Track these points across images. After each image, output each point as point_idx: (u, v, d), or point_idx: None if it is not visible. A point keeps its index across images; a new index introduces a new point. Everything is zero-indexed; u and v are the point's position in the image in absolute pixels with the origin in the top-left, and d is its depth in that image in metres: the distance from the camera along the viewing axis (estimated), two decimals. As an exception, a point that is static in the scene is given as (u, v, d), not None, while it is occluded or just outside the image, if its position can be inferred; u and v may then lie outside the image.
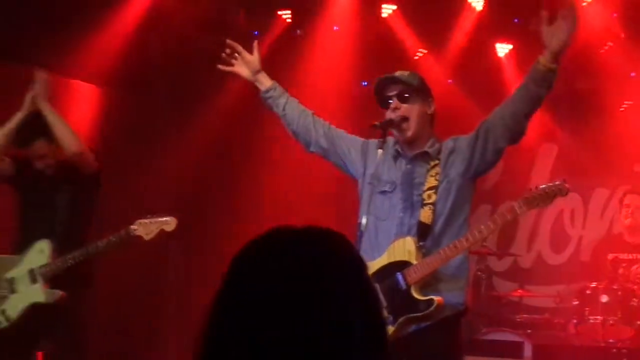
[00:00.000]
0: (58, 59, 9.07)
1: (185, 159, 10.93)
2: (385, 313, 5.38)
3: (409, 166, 5.83)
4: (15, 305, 6.68)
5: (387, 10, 10.51)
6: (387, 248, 5.69)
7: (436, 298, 5.48)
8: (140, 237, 6.56)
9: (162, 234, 6.66)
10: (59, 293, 6.59)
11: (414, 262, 5.54)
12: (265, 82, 6.15)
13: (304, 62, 10.49)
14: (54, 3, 8.81)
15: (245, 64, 6.09)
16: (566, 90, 10.10)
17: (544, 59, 5.51)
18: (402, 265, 5.56)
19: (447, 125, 6.68)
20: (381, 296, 5.40)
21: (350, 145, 5.99)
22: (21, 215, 6.99)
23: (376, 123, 5.77)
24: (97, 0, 9.36)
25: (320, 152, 6.03)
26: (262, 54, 6.07)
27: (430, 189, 5.71)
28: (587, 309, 8.65)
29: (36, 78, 6.85)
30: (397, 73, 5.88)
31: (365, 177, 5.84)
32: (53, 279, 6.61)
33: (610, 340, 8.47)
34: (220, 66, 6.21)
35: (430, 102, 5.84)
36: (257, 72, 6.12)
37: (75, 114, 9.36)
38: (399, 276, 5.55)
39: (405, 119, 5.68)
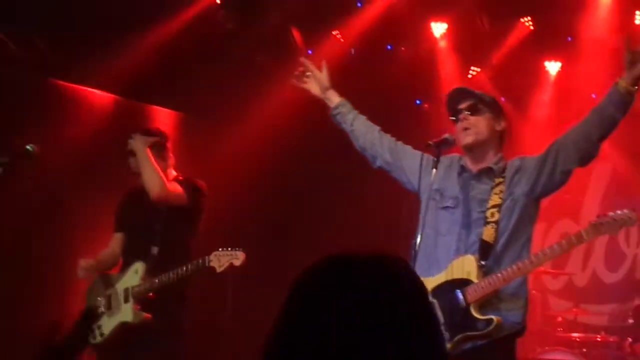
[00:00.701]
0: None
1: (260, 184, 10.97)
2: (445, 330, 5.44)
3: (472, 182, 5.83)
4: (109, 322, 6.85)
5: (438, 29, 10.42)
6: (447, 264, 5.66)
7: (495, 318, 5.43)
8: (213, 267, 6.61)
9: (231, 266, 6.68)
10: (143, 315, 6.75)
11: (475, 280, 5.52)
12: (334, 99, 6.21)
13: (356, 81, 10.52)
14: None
15: (316, 82, 6.18)
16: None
17: (623, 82, 5.46)
18: (462, 283, 5.54)
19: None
20: (439, 313, 5.48)
21: (413, 160, 5.97)
22: (125, 236, 7.18)
23: (430, 142, 5.73)
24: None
25: (385, 167, 6.05)
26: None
27: (493, 206, 5.69)
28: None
29: (135, 135, 7.06)
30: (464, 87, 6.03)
31: (425, 191, 5.82)
32: (143, 300, 6.76)
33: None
34: (293, 81, 6.30)
35: (500, 119, 5.84)
36: (326, 89, 6.19)
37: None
38: (459, 294, 5.54)
39: (468, 129, 5.73)
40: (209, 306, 9.53)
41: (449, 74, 10.68)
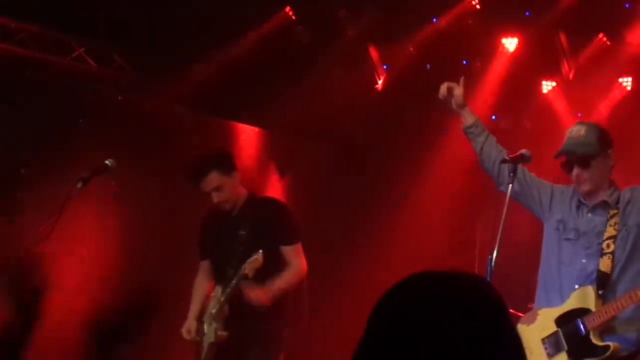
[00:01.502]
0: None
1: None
2: (566, 356, 5.74)
3: (589, 215, 5.92)
4: (205, 344, 7.05)
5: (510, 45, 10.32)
6: (569, 294, 5.83)
7: (612, 344, 5.59)
8: (247, 274, 6.67)
9: (254, 268, 6.70)
10: (224, 333, 6.90)
11: (594, 309, 5.67)
12: (468, 118, 6.20)
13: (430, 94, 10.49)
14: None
15: (455, 98, 6.11)
16: None
17: None
18: (582, 312, 5.70)
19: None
20: (562, 339, 5.78)
21: (541, 190, 6.11)
22: (211, 262, 7.29)
23: (507, 157, 5.83)
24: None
25: (511, 193, 5.83)
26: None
27: (609, 238, 5.79)
28: None
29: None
30: (573, 138, 5.93)
31: (552, 222, 6.01)
32: (223, 319, 6.94)
33: None
34: (439, 96, 6.20)
35: (610, 154, 5.88)
36: (462, 106, 6.17)
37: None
38: (580, 323, 5.69)
39: (582, 182, 5.81)
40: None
41: (523, 89, 10.60)
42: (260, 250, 6.65)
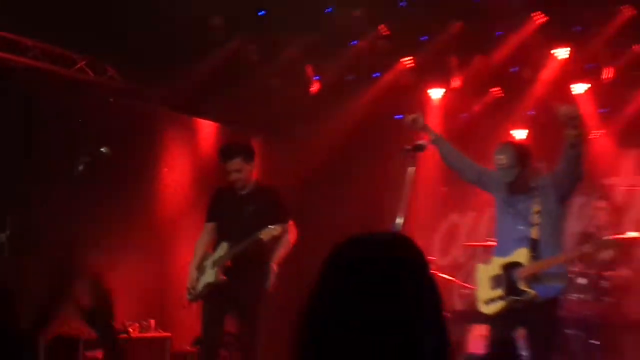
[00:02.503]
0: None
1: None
2: (501, 292, 6.00)
3: (523, 196, 6.12)
4: (201, 284, 6.90)
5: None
6: (513, 252, 6.07)
7: (531, 291, 5.92)
8: (261, 239, 6.66)
9: (273, 237, 6.74)
10: (222, 278, 6.78)
11: (525, 264, 5.96)
12: (432, 134, 6.38)
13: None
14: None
15: (417, 124, 6.33)
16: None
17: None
18: (518, 264, 5.99)
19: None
20: (503, 280, 6.02)
21: (489, 177, 6.37)
22: (217, 224, 7.12)
23: (407, 147, 5.69)
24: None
25: (472, 183, 6.58)
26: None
27: (536, 212, 6.02)
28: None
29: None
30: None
31: (499, 199, 6.31)
32: (229, 269, 6.80)
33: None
34: (406, 124, 6.40)
35: (524, 163, 6.11)
36: (425, 127, 6.37)
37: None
38: (514, 271, 5.98)
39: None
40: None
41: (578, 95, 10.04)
42: (279, 224, 6.75)
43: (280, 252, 6.96)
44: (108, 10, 7.65)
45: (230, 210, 7.09)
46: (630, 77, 9.28)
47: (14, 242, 7.04)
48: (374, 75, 9.80)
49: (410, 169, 5.63)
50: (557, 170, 6.15)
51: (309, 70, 9.90)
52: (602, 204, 9.26)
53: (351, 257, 1.92)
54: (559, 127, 5.87)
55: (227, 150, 7.12)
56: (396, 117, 10.18)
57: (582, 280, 8.28)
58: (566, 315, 7.98)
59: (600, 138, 10.10)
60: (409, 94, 10.18)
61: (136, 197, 8.64)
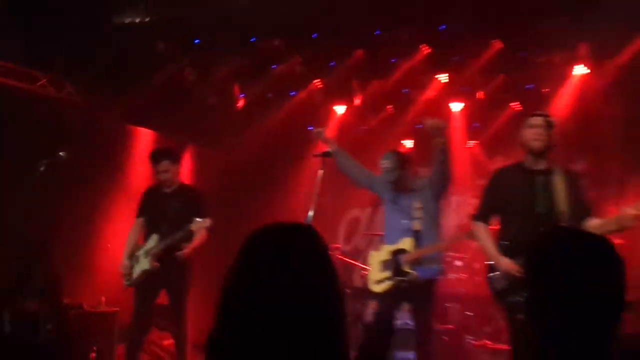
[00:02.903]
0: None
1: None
2: (389, 273, 6.08)
3: (406, 195, 6.18)
4: (136, 271, 6.84)
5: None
6: (399, 240, 6.10)
7: (413, 273, 5.95)
8: (192, 230, 6.67)
9: (202, 227, 6.70)
10: (156, 265, 6.72)
11: (410, 250, 6.02)
12: (332, 146, 6.45)
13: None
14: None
15: (321, 137, 6.61)
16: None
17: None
18: (404, 251, 6.05)
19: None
20: (390, 263, 6.10)
21: (378, 182, 6.40)
22: (145, 219, 7.08)
23: (317, 153, 6.13)
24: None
25: (364, 188, 6.64)
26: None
27: (417, 209, 5.98)
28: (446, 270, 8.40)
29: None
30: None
31: (386, 199, 6.35)
32: (161, 257, 6.75)
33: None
34: (313, 132, 6.66)
35: (405, 166, 6.26)
36: (327, 140, 6.56)
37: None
38: (400, 257, 6.05)
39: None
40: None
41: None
42: (207, 219, 6.69)
43: (195, 242, 6.79)
44: (68, 36, 7.50)
45: (157, 207, 6.97)
46: (497, 99, 9.53)
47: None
48: (291, 93, 9.88)
49: (320, 172, 5.90)
50: (432, 173, 6.17)
51: (236, 89, 9.86)
52: (476, 201, 9.68)
53: (263, 241, 1.93)
54: (430, 137, 5.87)
55: (157, 154, 7.00)
56: (309, 128, 10.28)
57: (459, 263, 8.57)
58: (446, 291, 8.09)
59: (473, 147, 10.30)
60: (319, 110, 10.21)
61: (89, 194, 8.43)
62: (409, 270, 5.98)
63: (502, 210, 5.38)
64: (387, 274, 6.09)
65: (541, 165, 5.23)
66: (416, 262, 6.01)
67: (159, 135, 9.94)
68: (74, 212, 8.18)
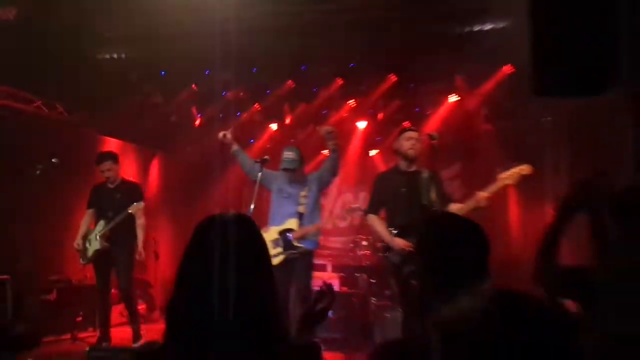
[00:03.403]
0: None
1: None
2: (280, 249, 5.85)
3: (297, 185, 6.04)
4: (89, 251, 6.73)
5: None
6: (285, 221, 5.96)
7: (302, 246, 5.90)
8: (130, 213, 6.57)
9: (138, 209, 6.61)
10: (106, 244, 6.65)
11: (296, 229, 5.92)
12: (234, 147, 6.20)
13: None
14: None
15: (226, 139, 6.13)
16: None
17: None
18: (291, 230, 5.91)
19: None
20: (280, 241, 5.87)
21: (269, 175, 6.15)
22: (95, 210, 6.94)
23: (258, 160, 6.03)
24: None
25: (255, 180, 5.99)
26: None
27: (303, 196, 5.95)
28: (355, 248, 8.70)
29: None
30: (288, 159, 6.00)
31: (275, 189, 6.11)
32: (109, 237, 6.66)
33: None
34: (219, 135, 6.16)
35: (303, 163, 6.16)
36: (231, 142, 6.14)
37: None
38: (289, 235, 5.91)
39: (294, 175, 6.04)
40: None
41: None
42: (142, 202, 6.65)
43: (141, 236, 6.66)
44: (60, 65, 7.33)
45: (104, 199, 6.82)
46: (393, 119, 9.58)
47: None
48: (237, 114, 9.88)
49: (259, 174, 5.90)
50: (322, 169, 6.08)
51: (194, 110, 9.79)
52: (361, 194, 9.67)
53: (210, 227, 1.87)
54: (323, 141, 5.90)
55: (101, 156, 6.87)
56: (250, 140, 10.38)
57: (364, 242, 8.54)
58: (355, 264, 8.42)
59: (375, 155, 10.41)
60: (259, 126, 10.27)
61: (73, 190, 8.12)
62: (298, 245, 5.90)
63: (387, 204, 5.57)
64: (279, 249, 5.89)
65: (412, 168, 5.48)
66: (302, 238, 5.92)
67: (133, 146, 9.72)
68: (63, 204, 7.98)
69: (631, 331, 2.03)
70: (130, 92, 8.80)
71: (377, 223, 5.59)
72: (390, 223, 5.49)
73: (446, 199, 5.37)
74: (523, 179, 5.01)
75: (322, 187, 6.16)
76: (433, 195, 5.29)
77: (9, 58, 6.70)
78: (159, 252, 9.49)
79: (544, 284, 2.41)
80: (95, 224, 6.86)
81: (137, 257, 6.70)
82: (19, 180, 7.20)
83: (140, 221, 6.74)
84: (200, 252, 1.84)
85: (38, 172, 6.80)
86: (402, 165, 5.54)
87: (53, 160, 6.79)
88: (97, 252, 6.70)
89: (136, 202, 6.65)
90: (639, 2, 3.05)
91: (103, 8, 6.56)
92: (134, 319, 6.88)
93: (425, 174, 5.38)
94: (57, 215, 7.90)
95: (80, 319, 7.42)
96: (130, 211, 6.58)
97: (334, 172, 6.05)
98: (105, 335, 6.77)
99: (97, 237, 6.69)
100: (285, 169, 6.03)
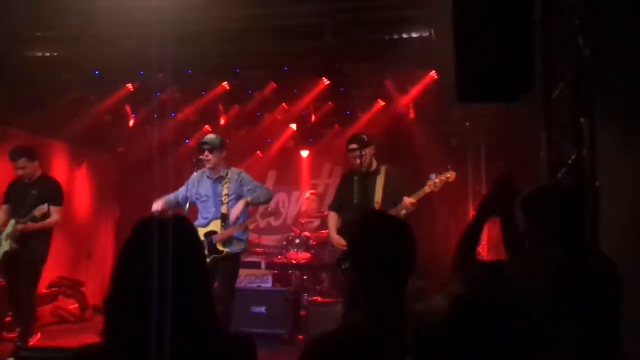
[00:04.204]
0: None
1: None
2: (206, 252, 5.63)
3: (214, 184, 5.92)
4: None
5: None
6: (209, 223, 5.83)
7: (225, 250, 5.73)
8: (36, 216, 6.21)
9: (41, 212, 6.29)
10: (15, 246, 6.25)
11: (219, 231, 5.78)
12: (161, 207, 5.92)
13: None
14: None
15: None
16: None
17: None
18: (214, 232, 5.78)
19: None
20: (206, 245, 5.68)
21: (190, 186, 6.02)
22: (9, 206, 6.56)
23: (194, 159, 5.99)
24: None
25: (184, 204, 5.97)
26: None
27: (225, 195, 5.81)
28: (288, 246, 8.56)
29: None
30: (206, 138, 5.95)
31: (200, 195, 5.95)
32: (19, 238, 6.26)
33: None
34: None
35: (224, 151, 5.96)
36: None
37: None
38: (213, 237, 5.76)
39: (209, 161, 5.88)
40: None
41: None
42: (47, 204, 6.24)
43: (38, 224, 6.28)
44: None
45: (18, 195, 6.44)
46: (325, 121, 9.73)
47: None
48: (171, 114, 9.70)
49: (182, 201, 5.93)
50: (254, 190, 5.92)
51: (128, 109, 9.56)
52: (311, 195, 9.60)
53: (146, 226, 1.87)
54: None
55: (14, 153, 6.50)
56: (186, 140, 10.42)
57: (298, 240, 8.42)
58: (289, 262, 8.27)
59: (307, 155, 10.59)
60: (193, 127, 10.11)
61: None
62: (222, 249, 5.74)
63: (340, 203, 5.94)
64: (205, 252, 5.52)
65: (370, 169, 5.79)
66: (226, 240, 5.78)
67: (65, 145, 9.43)
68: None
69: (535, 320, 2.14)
70: (63, 91, 8.56)
71: (330, 220, 6.02)
72: (341, 221, 5.87)
73: (394, 200, 5.58)
74: (447, 185, 5.37)
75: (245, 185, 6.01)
76: (378, 195, 5.62)
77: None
78: (92, 251, 9.28)
79: (462, 277, 2.49)
80: (8, 222, 6.49)
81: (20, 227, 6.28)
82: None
83: (53, 219, 6.42)
84: (137, 250, 1.84)
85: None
86: (357, 167, 5.80)
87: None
88: (6, 254, 6.30)
89: (53, 200, 6.35)
90: (550, 14, 3.22)
91: (36, 5, 6.34)
92: (26, 321, 6.41)
93: (380, 174, 5.74)
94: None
95: (9, 319, 7.12)
96: (35, 214, 6.21)
97: (258, 202, 6.03)
98: (27, 330, 6.33)
99: (7, 238, 6.29)
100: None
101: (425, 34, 6.86)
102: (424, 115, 9.08)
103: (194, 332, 1.75)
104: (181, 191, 6.05)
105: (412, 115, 9.09)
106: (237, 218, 5.82)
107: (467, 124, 8.92)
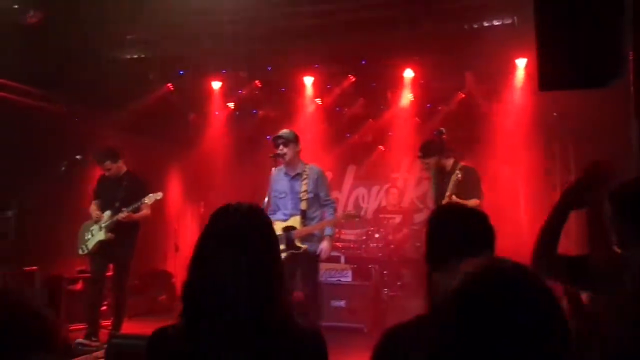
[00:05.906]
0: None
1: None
2: (284, 246, 5.63)
3: (291, 181, 5.95)
4: (92, 242, 6.59)
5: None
6: (289, 218, 5.86)
7: (303, 246, 5.77)
8: (146, 203, 6.49)
9: (155, 200, 6.57)
10: (111, 235, 6.51)
11: (298, 227, 5.81)
12: None
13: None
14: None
15: None
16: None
17: None
18: (293, 228, 5.80)
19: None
20: (284, 238, 5.67)
21: (273, 180, 5.98)
22: (100, 201, 6.78)
23: (272, 155, 5.88)
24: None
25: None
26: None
27: (304, 192, 5.83)
28: (368, 241, 8.59)
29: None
30: (281, 132, 5.98)
31: (272, 192, 5.96)
32: (113, 228, 6.52)
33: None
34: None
35: (298, 145, 5.94)
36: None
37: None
38: (292, 233, 5.78)
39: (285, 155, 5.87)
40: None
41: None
42: (160, 193, 6.52)
43: (136, 214, 6.51)
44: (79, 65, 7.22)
45: (109, 190, 6.66)
46: (404, 114, 9.34)
47: (19, 218, 6.74)
48: (253, 111, 9.68)
49: (273, 169, 5.86)
50: (323, 188, 5.96)
51: (211, 107, 9.39)
52: (392, 189, 9.62)
53: (225, 215, 1.92)
54: None
55: (98, 156, 6.76)
56: (267, 137, 10.44)
57: (377, 235, 8.49)
58: (369, 257, 8.30)
59: (386, 149, 10.38)
60: (272, 124, 9.90)
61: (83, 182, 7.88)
62: (300, 245, 5.77)
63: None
64: (282, 246, 5.61)
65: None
66: (305, 237, 5.81)
67: (154, 143, 9.55)
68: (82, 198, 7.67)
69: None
70: (145, 91, 8.75)
71: None
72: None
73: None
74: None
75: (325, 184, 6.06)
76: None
77: (32, 59, 6.69)
78: (179, 245, 9.56)
79: (543, 271, 2.38)
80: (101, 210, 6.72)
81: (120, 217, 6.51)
82: (45, 176, 7.04)
83: (144, 212, 6.62)
84: (214, 236, 1.88)
85: (63, 169, 6.80)
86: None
87: (77, 157, 6.80)
88: (100, 243, 6.57)
89: (143, 193, 6.58)
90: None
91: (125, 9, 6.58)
92: (119, 311, 6.65)
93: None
94: (76, 208, 7.78)
95: (105, 307, 7.33)
96: (146, 201, 6.49)
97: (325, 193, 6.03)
98: (94, 331, 6.46)
99: (102, 228, 6.57)
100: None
101: (508, 21, 6.66)
102: (506, 106, 8.80)
103: (265, 318, 1.78)
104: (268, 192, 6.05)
105: (494, 106, 8.85)
106: (328, 255, 5.92)
107: (555, 114, 8.57)
